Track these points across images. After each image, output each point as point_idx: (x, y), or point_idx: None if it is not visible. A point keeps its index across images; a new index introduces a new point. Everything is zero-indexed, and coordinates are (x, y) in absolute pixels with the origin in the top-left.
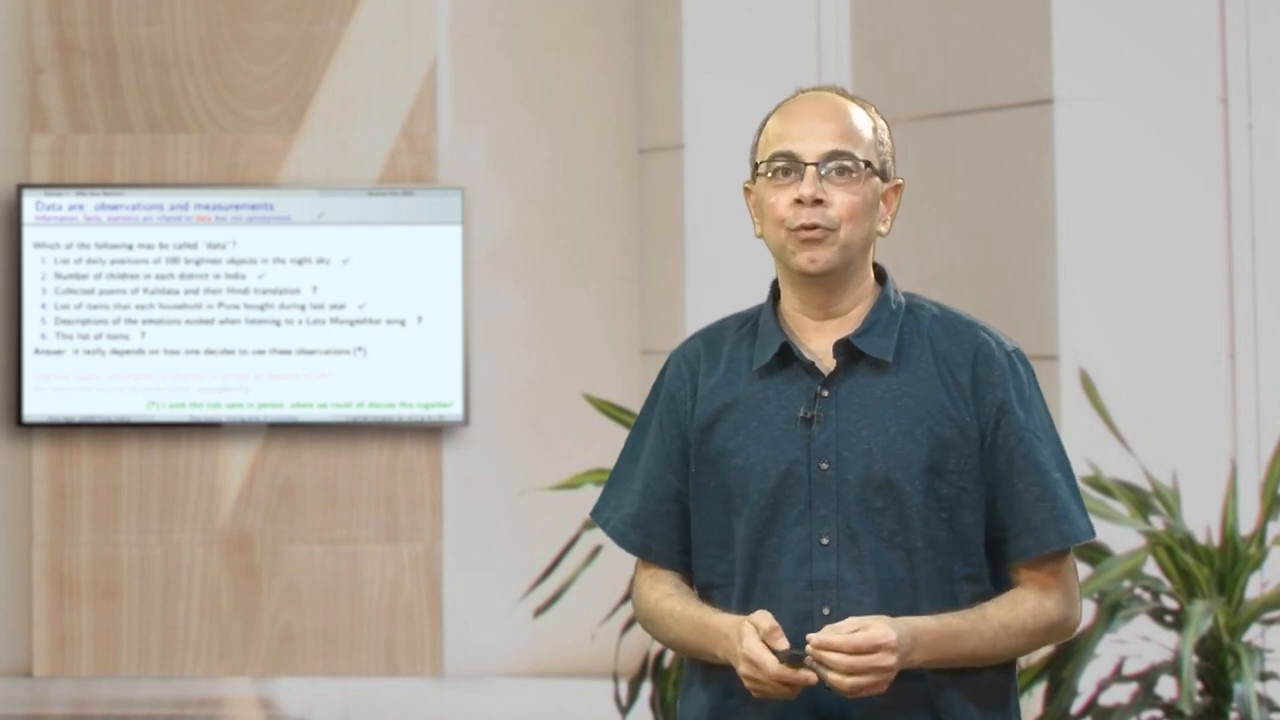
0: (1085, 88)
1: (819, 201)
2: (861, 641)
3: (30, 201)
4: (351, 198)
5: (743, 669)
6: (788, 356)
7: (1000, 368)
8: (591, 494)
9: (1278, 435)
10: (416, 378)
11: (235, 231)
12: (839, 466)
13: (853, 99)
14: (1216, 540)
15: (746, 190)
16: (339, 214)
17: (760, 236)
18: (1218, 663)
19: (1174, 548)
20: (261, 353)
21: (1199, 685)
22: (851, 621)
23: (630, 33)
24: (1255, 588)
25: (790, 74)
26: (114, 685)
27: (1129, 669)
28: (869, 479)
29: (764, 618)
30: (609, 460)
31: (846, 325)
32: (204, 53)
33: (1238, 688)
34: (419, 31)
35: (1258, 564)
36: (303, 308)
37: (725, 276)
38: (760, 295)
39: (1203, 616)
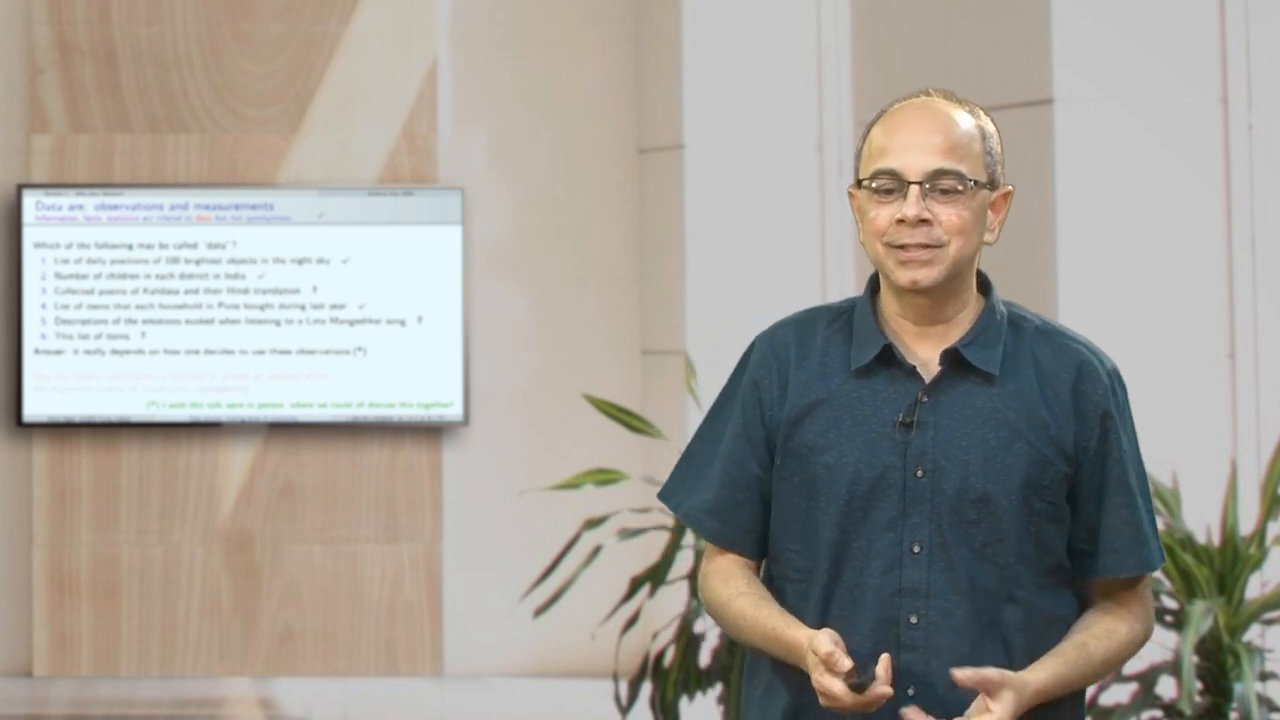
0: (1085, 88)
1: (924, 221)
2: None
3: (30, 201)
4: (351, 198)
5: (822, 701)
6: (888, 359)
7: (1103, 385)
8: (591, 494)
9: (1278, 435)
10: (416, 378)
11: (235, 231)
12: (935, 475)
13: (960, 104)
14: (1216, 540)
15: (851, 194)
16: (339, 214)
17: (863, 243)
18: (1218, 663)
19: (1174, 548)
20: (261, 353)
21: (1199, 685)
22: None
23: (630, 33)
24: (1255, 588)
25: (790, 74)
26: (114, 685)
27: (1129, 669)
28: (965, 491)
29: (822, 643)
30: (609, 460)
31: (950, 333)
32: (204, 53)
33: (1238, 688)
34: (419, 31)
35: (1258, 564)
36: (303, 308)
37: (725, 276)
38: (760, 295)
39: (1203, 616)
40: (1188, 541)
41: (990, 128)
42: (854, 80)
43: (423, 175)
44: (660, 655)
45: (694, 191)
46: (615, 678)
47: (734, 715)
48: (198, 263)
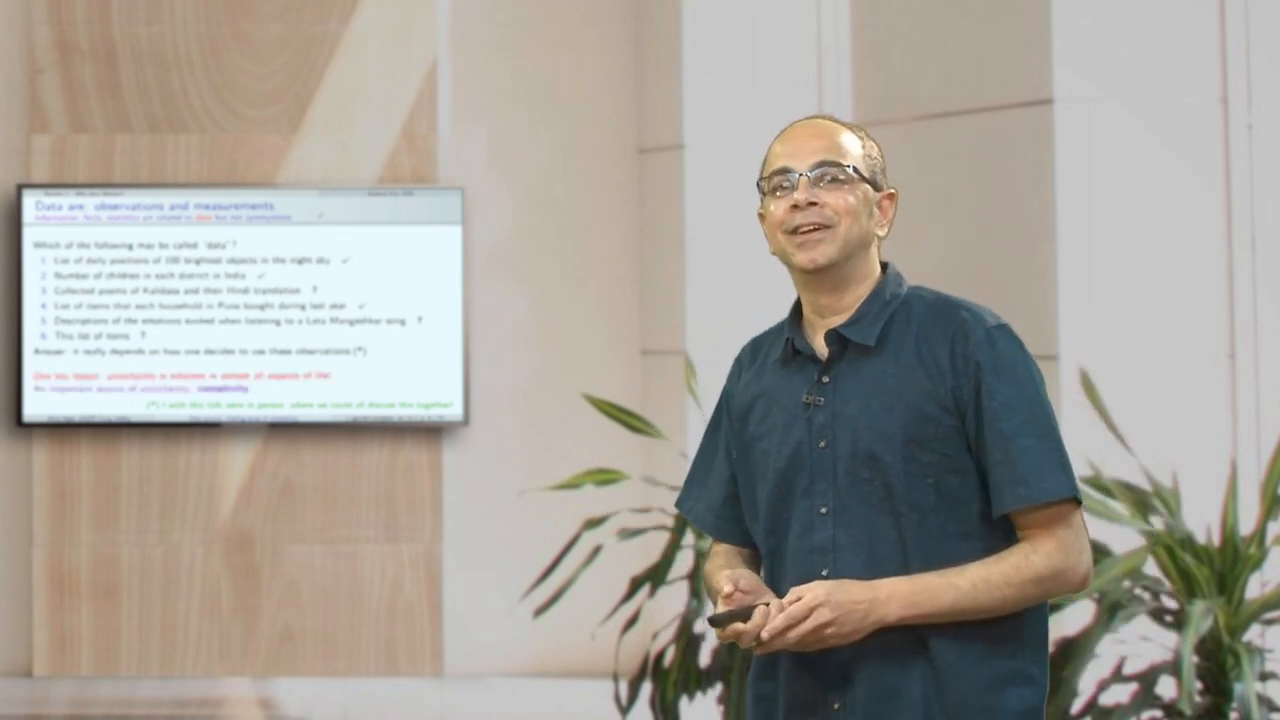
0: (1085, 88)
1: (813, 204)
2: (796, 611)
3: (30, 201)
4: (351, 198)
5: None
6: (797, 349)
7: (975, 341)
8: (591, 494)
9: (1278, 435)
10: (416, 378)
11: (235, 231)
12: (834, 444)
13: (841, 122)
14: (1216, 540)
15: (761, 217)
16: (339, 214)
17: (774, 253)
18: (1218, 663)
19: (1174, 548)
20: (261, 353)
21: (1199, 685)
22: (792, 592)
23: (630, 33)
24: (1255, 588)
25: (790, 74)
26: (114, 685)
27: (1129, 669)
28: (856, 453)
29: (727, 582)
30: (609, 460)
31: (846, 319)
32: (204, 53)
33: (1238, 688)
34: (419, 31)
35: (1258, 564)
36: (303, 308)
37: (725, 276)
38: (759, 295)
39: (1203, 616)
40: (1188, 541)
41: (872, 144)
42: (854, 80)
43: (423, 175)
44: (660, 655)
45: (694, 191)
46: (615, 678)
47: (734, 715)
48: (198, 263)
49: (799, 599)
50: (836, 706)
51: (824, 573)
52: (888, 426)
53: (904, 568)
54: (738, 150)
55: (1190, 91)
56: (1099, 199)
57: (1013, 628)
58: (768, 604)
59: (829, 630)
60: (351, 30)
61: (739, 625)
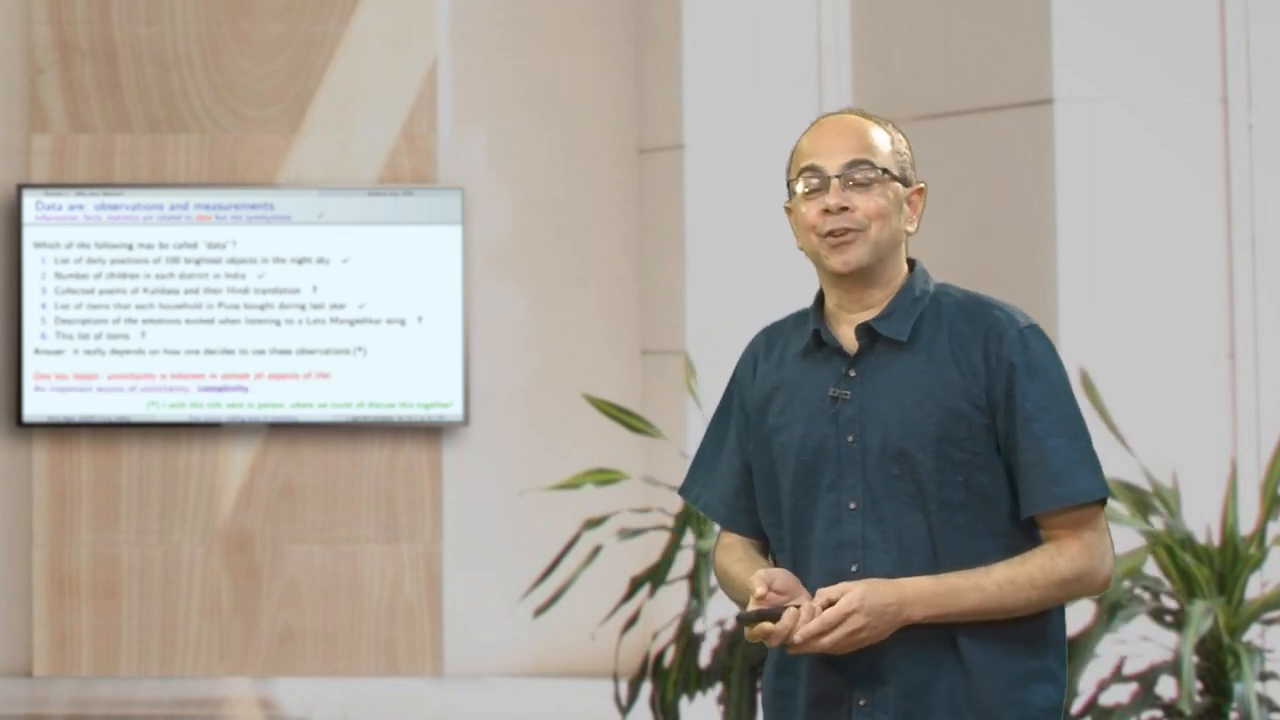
0: (1085, 88)
1: (845, 208)
2: (830, 617)
3: (30, 201)
4: (351, 198)
5: None
6: (822, 341)
7: (1009, 342)
8: (591, 494)
9: (1278, 435)
10: (416, 378)
11: (235, 231)
12: (863, 439)
13: (871, 117)
14: (1216, 540)
15: (788, 210)
16: (339, 214)
17: (801, 249)
18: (1218, 663)
19: (1174, 548)
20: (261, 353)
21: (1199, 685)
22: (822, 594)
23: (630, 33)
24: (1255, 588)
25: (790, 74)
26: (114, 685)
27: (1129, 669)
28: (886, 448)
29: (760, 583)
30: (609, 460)
31: (875, 314)
32: (204, 53)
33: (1238, 688)
34: (419, 31)
35: (1258, 564)
36: (303, 307)
37: (725, 276)
38: (759, 295)
39: (1203, 616)
40: (1188, 541)
41: (900, 137)
42: (854, 80)
43: (423, 175)
44: (660, 655)
45: (694, 191)
46: (615, 678)
47: (734, 715)
48: (198, 263)
49: (830, 602)
50: (862, 703)
51: (853, 568)
52: (920, 423)
53: (933, 564)
54: (738, 150)
55: (1190, 91)
56: (1099, 199)
57: (1039, 627)
58: (799, 606)
59: (862, 635)
60: (351, 30)
61: (767, 625)
